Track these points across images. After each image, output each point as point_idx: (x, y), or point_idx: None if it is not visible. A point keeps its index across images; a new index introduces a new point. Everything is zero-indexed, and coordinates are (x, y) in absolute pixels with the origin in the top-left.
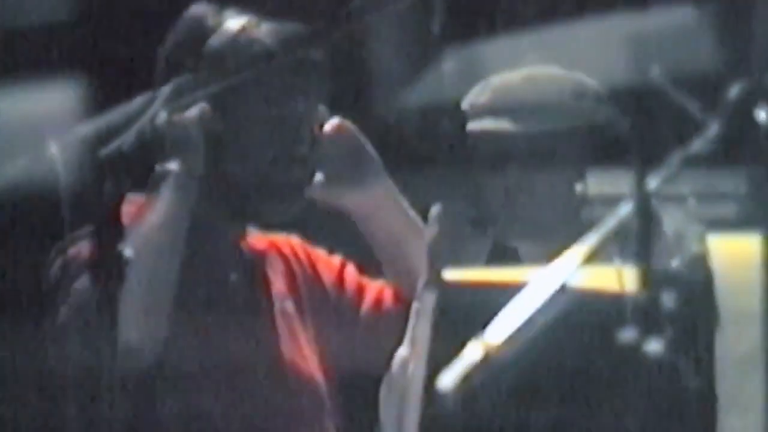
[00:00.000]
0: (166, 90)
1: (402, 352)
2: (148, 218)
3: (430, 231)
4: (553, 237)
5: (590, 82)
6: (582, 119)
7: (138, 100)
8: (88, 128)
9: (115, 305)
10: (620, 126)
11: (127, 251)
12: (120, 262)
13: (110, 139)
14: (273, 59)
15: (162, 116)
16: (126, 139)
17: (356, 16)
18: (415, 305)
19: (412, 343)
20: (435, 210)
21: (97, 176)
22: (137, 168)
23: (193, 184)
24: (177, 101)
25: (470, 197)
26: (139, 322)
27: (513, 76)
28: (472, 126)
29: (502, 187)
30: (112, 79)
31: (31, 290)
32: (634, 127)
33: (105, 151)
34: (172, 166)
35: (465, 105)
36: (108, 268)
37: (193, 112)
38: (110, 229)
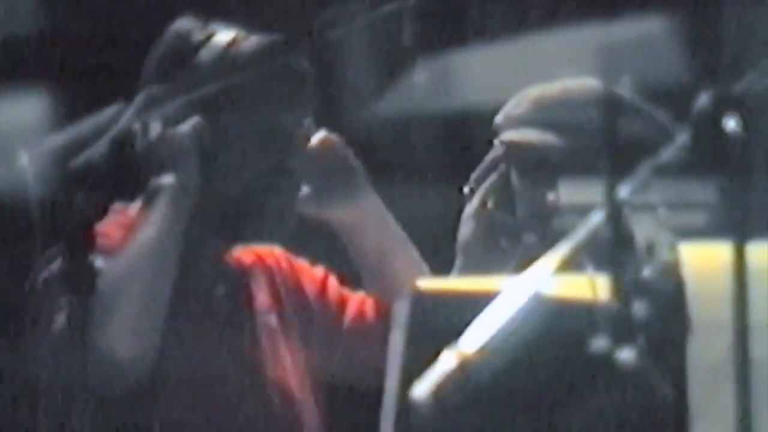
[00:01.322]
0: (137, 101)
1: None
2: (142, 232)
3: (464, 231)
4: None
5: (628, 94)
6: (618, 135)
7: (109, 111)
8: (58, 139)
9: (85, 318)
10: (660, 136)
11: (98, 263)
12: (91, 273)
13: (81, 150)
14: (264, 70)
15: (155, 129)
16: (96, 150)
17: (325, 29)
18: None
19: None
20: (468, 211)
21: (67, 187)
22: (110, 179)
23: (187, 197)
24: (147, 112)
25: (505, 204)
26: (134, 336)
27: (550, 88)
28: (507, 136)
29: (536, 197)
30: (83, 90)
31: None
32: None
33: (74, 162)
34: (167, 179)
35: (499, 117)
36: (79, 280)
37: (186, 126)
38: (81, 241)
